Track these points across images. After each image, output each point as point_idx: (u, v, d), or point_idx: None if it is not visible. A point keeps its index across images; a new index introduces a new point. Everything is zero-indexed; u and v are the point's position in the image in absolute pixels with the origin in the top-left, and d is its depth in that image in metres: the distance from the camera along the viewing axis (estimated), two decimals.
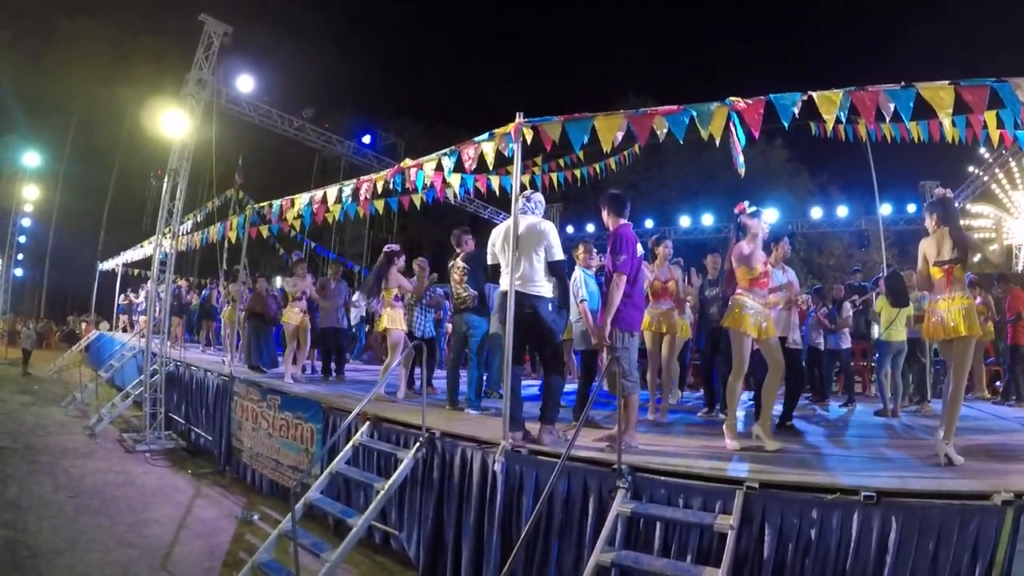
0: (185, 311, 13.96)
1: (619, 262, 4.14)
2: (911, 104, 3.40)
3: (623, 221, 4.37)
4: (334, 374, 8.45)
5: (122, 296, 17.35)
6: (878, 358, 6.93)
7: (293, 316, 7.85)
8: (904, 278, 6.71)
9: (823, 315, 7.16)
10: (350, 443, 4.92)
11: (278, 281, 14.62)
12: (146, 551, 4.68)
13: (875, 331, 7.38)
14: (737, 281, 4.34)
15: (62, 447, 7.69)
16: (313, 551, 4.03)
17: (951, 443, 3.65)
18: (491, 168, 4.76)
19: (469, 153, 4.66)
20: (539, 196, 4.53)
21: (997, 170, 16.27)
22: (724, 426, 4.25)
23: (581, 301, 5.17)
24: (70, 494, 5.87)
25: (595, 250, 5.78)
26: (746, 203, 4.48)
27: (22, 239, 24.19)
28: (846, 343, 7.33)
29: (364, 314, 11.82)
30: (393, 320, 6.56)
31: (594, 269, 5.59)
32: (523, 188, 4.56)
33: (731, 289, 4.42)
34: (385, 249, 6.82)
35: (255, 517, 5.57)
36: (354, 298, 9.63)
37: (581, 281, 5.22)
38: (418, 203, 7.92)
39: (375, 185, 5.87)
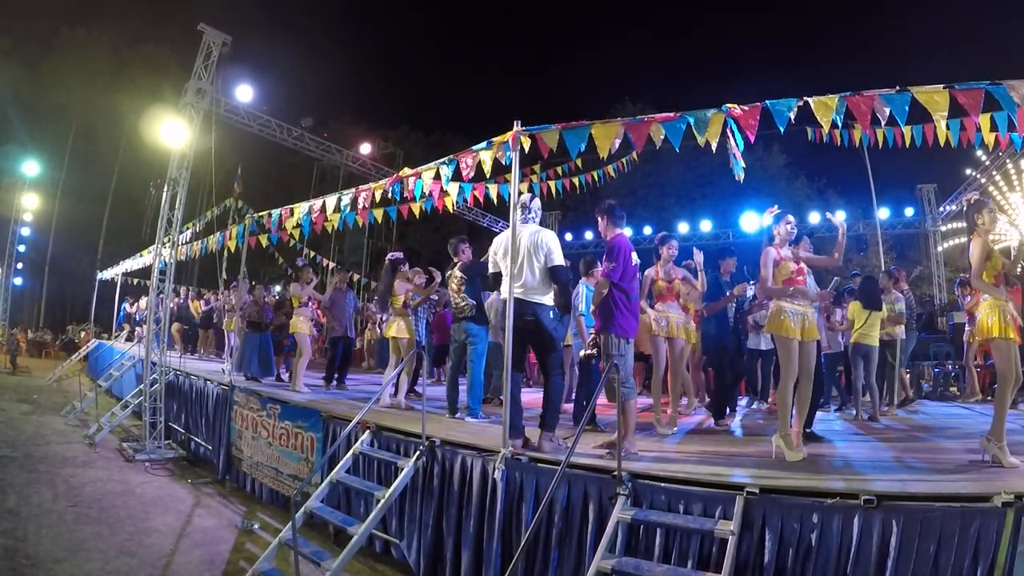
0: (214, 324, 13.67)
1: (608, 269, 4.27)
2: (906, 108, 3.42)
3: (618, 231, 4.44)
4: (335, 382, 8.40)
5: (128, 303, 16.88)
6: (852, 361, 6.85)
7: (302, 325, 7.81)
8: (878, 282, 6.72)
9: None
10: (350, 452, 4.93)
11: (277, 288, 14.51)
12: (146, 560, 4.66)
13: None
14: (772, 284, 4.19)
15: (62, 456, 7.67)
16: (314, 560, 4.03)
17: (1002, 443, 3.53)
18: (489, 176, 4.79)
19: (467, 162, 4.69)
20: (536, 202, 4.56)
21: (994, 172, 16.26)
22: (776, 436, 4.00)
23: (579, 315, 5.26)
24: (70, 503, 5.85)
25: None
26: (776, 207, 4.42)
27: (21, 248, 24.12)
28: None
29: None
30: (400, 329, 6.59)
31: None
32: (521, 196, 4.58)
33: (765, 296, 4.27)
34: (389, 257, 6.87)
35: (255, 526, 5.56)
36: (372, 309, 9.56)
37: (583, 296, 5.32)
38: (417, 212, 7.95)
39: (374, 194, 5.91)
